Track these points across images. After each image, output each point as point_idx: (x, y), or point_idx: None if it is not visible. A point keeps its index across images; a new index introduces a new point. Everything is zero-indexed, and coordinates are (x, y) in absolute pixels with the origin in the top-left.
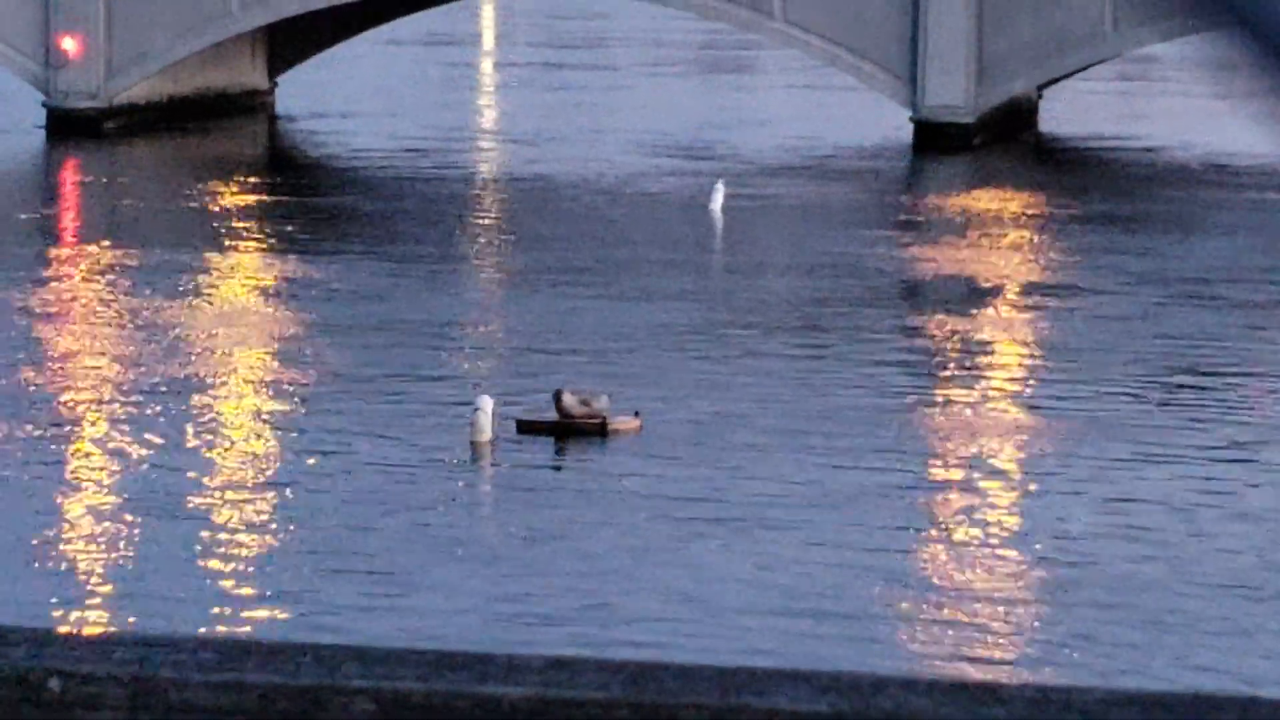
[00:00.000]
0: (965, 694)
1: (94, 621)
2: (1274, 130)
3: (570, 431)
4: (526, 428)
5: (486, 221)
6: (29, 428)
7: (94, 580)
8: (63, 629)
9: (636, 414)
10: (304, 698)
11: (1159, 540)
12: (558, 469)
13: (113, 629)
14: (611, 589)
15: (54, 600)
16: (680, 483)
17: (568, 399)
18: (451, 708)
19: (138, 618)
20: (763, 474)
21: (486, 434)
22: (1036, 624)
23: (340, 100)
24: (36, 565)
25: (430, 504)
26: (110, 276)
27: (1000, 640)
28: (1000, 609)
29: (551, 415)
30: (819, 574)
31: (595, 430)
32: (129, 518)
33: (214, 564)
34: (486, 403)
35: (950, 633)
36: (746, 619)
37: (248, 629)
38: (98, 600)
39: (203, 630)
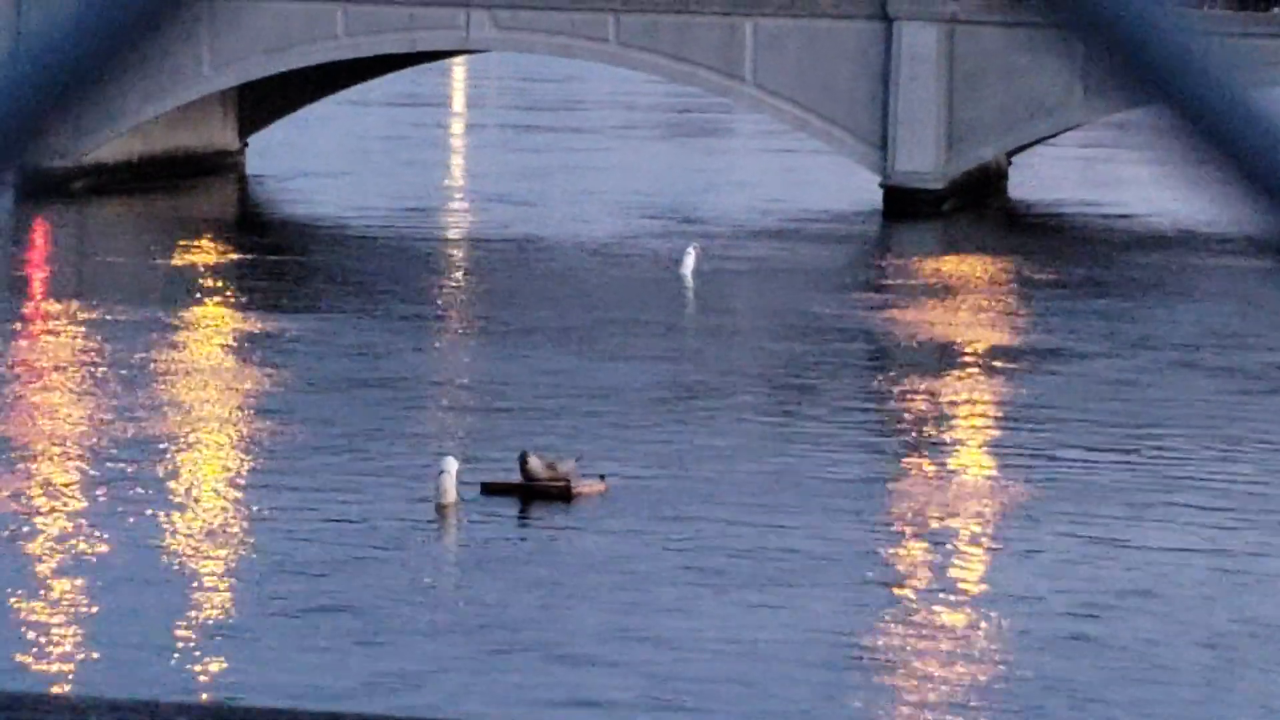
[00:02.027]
0: None
1: (68, 685)
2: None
3: (535, 494)
4: (491, 489)
5: (456, 282)
6: None
7: (65, 642)
8: (38, 692)
9: (602, 477)
10: None
11: (1140, 602)
12: (522, 532)
13: (87, 693)
14: (576, 654)
15: (25, 664)
16: (644, 547)
17: (533, 462)
18: None
19: (107, 680)
20: (729, 538)
21: (451, 496)
22: (1011, 690)
23: (310, 161)
24: (8, 628)
25: (395, 567)
26: (77, 335)
27: (974, 707)
28: (975, 674)
29: (517, 478)
30: (787, 640)
31: (560, 494)
32: (95, 577)
33: (180, 627)
34: (451, 465)
35: (924, 698)
36: (711, 684)
37: (206, 693)
38: (70, 663)
39: (176, 694)
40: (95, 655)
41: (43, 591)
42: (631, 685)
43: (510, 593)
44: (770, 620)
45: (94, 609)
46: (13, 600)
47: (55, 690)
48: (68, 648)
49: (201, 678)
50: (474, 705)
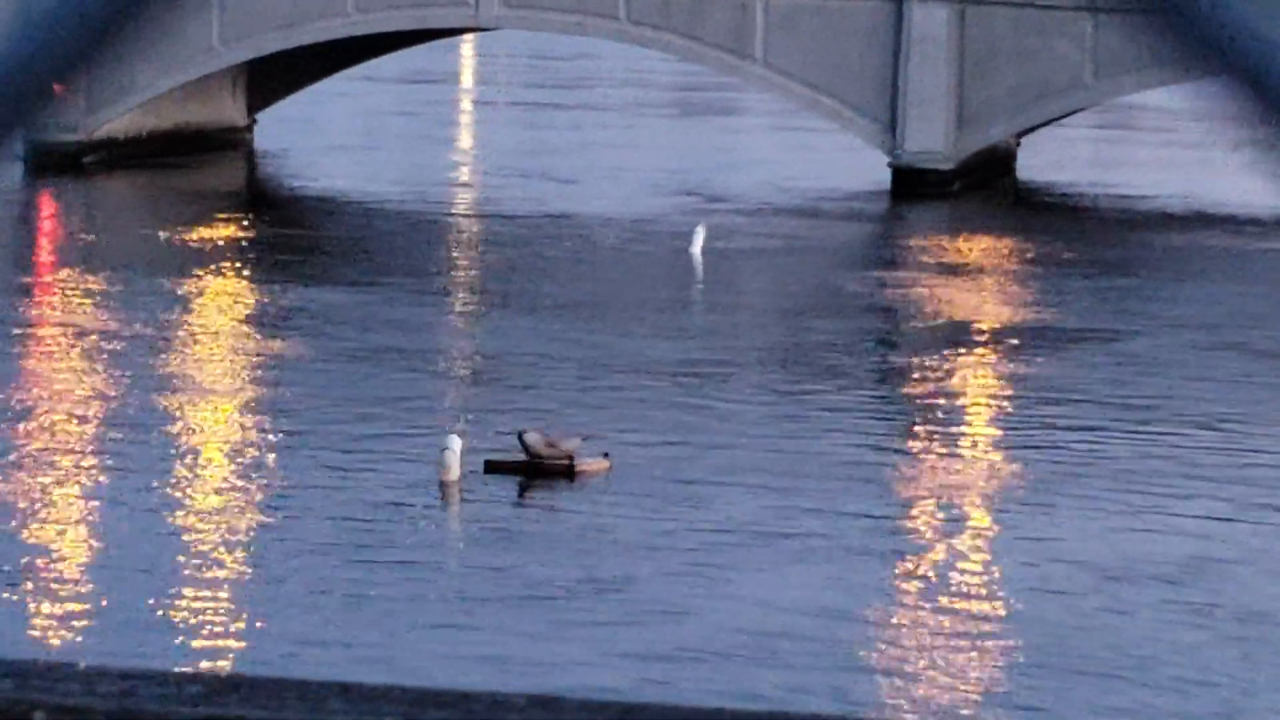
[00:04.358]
0: None
1: (77, 654)
2: (1270, 177)
3: (538, 472)
4: (495, 467)
5: (465, 258)
6: (6, 459)
7: (74, 613)
8: (48, 661)
9: (606, 455)
10: None
11: (1143, 587)
12: (525, 510)
13: (98, 661)
14: (575, 633)
15: (34, 634)
16: (647, 525)
17: (533, 438)
18: None
19: (115, 650)
20: (731, 517)
21: (455, 473)
22: (1012, 673)
23: (319, 137)
24: (17, 598)
25: (397, 542)
26: (87, 308)
27: (973, 685)
28: (974, 655)
29: (520, 455)
30: (790, 618)
31: (563, 471)
32: (103, 548)
33: (187, 599)
34: (455, 442)
35: (922, 677)
36: (715, 659)
37: (213, 662)
38: (79, 633)
39: (186, 664)
40: (104, 625)
41: (52, 561)
42: (634, 661)
43: (511, 568)
44: (775, 596)
45: (102, 579)
46: (22, 569)
47: (64, 659)
48: (77, 618)
49: (208, 648)
50: (476, 678)
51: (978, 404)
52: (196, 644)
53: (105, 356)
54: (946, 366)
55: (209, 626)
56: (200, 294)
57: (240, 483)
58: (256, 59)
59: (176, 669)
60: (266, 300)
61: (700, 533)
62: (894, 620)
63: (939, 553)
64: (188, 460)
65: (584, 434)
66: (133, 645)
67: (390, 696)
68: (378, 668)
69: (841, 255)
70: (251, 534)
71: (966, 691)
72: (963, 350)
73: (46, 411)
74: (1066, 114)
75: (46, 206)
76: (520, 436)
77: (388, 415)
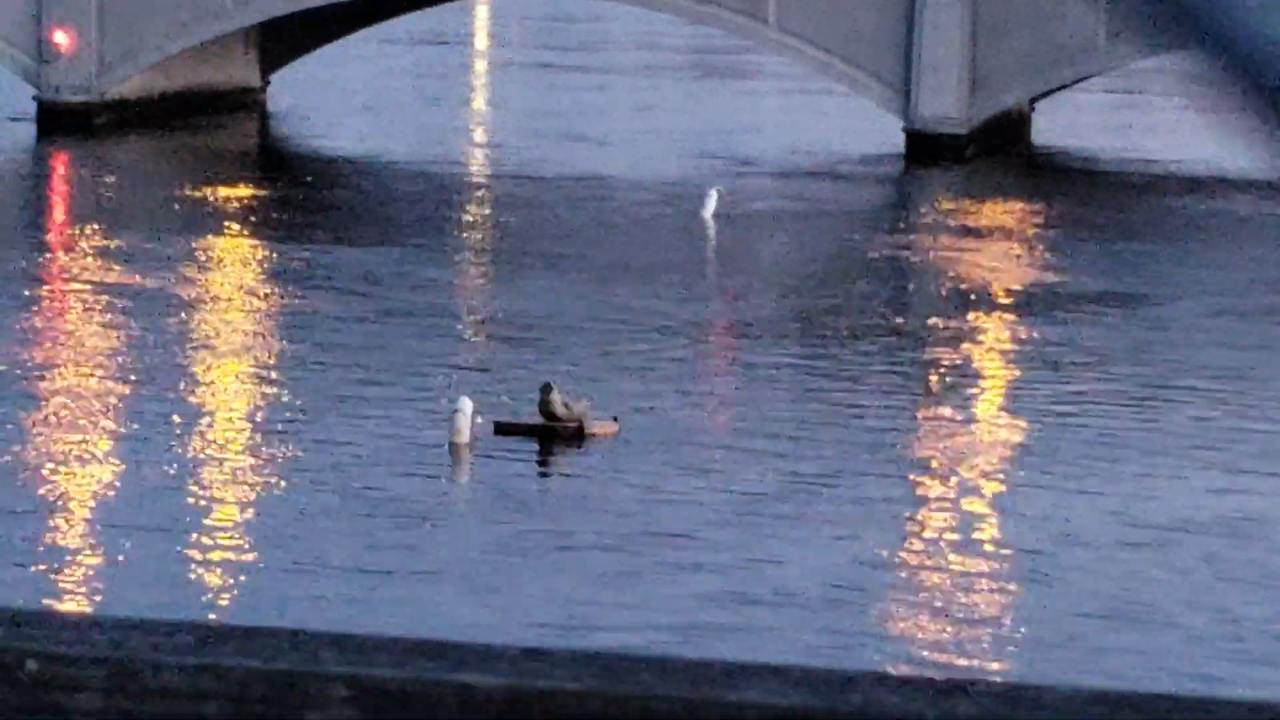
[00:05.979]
0: (934, 690)
1: (71, 603)
2: (1250, 149)
3: (548, 434)
4: (505, 429)
5: (475, 220)
6: (16, 414)
7: (70, 564)
8: (40, 610)
9: (615, 418)
10: (280, 682)
11: (1158, 550)
12: (533, 472)
13: (90, 611)
14: (583, 593)
15: (29, 583)
16: (655, 487)
17: (555, 396)
18: (426, 695)
19: (113, 602)
20: (738, 481)
21: (465, 435)
22: (1021, 631)
23: (333, 98)
24: (13, 548)
25: (408, 505)
26: (100, 268)
27: (983, 644)
28: (983, 614)
29: (530, 417)
30: (796, 580)
31: (573, 433)
32: (112, 503)
33: (193, 554)
34: (466, 404)
35: (930, 635)
36: (717, 621)
37: (218, 615)
38: (74, 583)
39: (180, 615)
40: (113, 578)
41: (61, 515)
42: (639, 623)
43: (517, 529)
44: (786, 557)
45: (112, 533)
46: (32, 522)
47: (61, 611)
48: (84, 570)
49: (216, 604)
50: (478, 634)
51: (994, 367)
52: (205, 599)
53: (118, 315)
54: (962, 329)
55: (218, 583)
56: (214, 253)
57: (248, 441)
58: (270, 20)
59: (170, 618)
60: (280, 259)
61: (709, 494)
62: (900, 578)
63: (956, 514)
64: (199, 417)
65: (594, 397)
66: (139, 599)
67: (383, 647)
68: (385, 626)
69: (856, 219)
70: (259, 492)
71: (974, 648)
72: (978, 313)
73: (58, 367)
74: (1080, 79)
75: (58, 167)
76: (544, 389)
77: (401, 375)
